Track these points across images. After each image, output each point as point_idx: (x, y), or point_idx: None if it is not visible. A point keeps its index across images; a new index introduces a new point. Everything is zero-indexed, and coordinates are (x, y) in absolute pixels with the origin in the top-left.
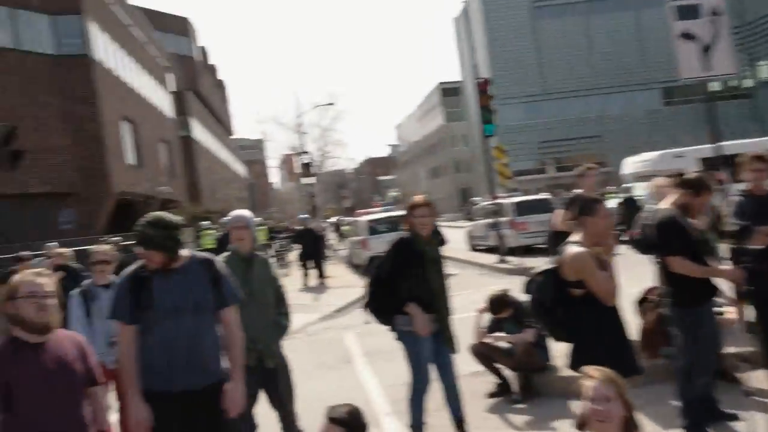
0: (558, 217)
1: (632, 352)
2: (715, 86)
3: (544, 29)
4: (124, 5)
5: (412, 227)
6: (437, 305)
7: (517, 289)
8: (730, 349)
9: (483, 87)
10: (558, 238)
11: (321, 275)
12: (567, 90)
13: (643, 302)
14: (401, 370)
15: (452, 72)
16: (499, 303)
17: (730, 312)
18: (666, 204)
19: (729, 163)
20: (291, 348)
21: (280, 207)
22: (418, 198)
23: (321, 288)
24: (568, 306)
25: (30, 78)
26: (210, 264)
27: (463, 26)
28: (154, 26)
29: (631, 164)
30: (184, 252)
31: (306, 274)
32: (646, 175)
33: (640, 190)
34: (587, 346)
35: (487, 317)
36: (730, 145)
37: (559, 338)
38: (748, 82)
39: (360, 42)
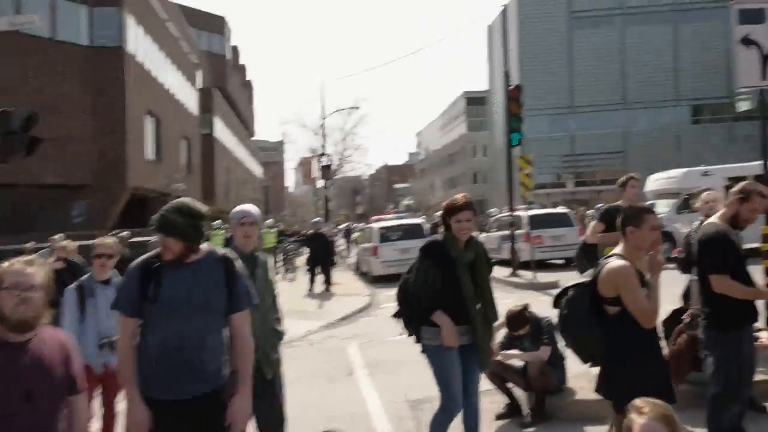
0: (590, 229)
1: (668, 378)
2: (745, 106)
3: (579, 40)
4: (162, 0)
5: (449, 230)
6: (470, 316)
7: (532, 303)
8: (761, 377)
9: (514, 94)
10: (588, 251)
11: (328, 282)
12: (594, 104)
13: (673, 323)
14: (404, 385)
15: (478, 83)
16: (517, 319)
17: (765, 336)
18: (714, 218)
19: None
20: (290, 356)
21: (294, 210)
22: (460, 198)
23: (326, 295)
24: (601, 324)
25: (63, 67)
26: (228, 262)
27: (498, 34)
28: (189, 23)
29: (655, 181)
30: (204, 246)
31: (312, 280)
32: (670, 193)
33: (662, 207)
34: (619, 370)
35: (503, 333)
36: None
37: (587, 359)
38: None
39: (387, 49)
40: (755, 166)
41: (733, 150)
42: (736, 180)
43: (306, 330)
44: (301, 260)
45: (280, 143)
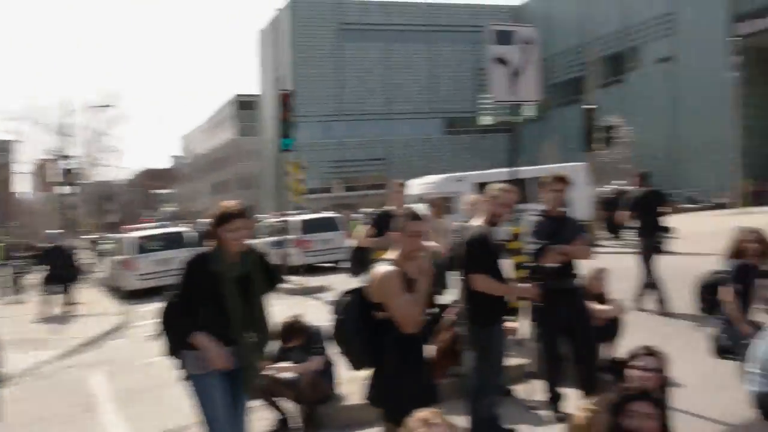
0: (361, 233)
1: (432, 380)
2: (488, 120)
3: (348, 51)
4: None
5: (219, 242)
6: (236, 337)
7: (302, 309)
8: (507, 363)
9: (285, 99)
10: (360, 254)
11: (69, 302)
12: (361, 113)
13: (435, 321)
14: (160, 414)
15: (248, 88)
16: (289, 331)
17: (508, 323)
18: (477, 221)
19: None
20: (14, 397)
21: (28, 221)
22: (233, 205)
23: (66, 317)
24: (370, 330)
25: None
26: None
27: (270, 39)
28: None
29: (415, 186)
30: None
31: (48, 301)
32: (428, 197)
33: (421, 209)
34: (386, 376)
35: (274, 345)
36: (519, 171)
37: (359, 366)
38: (518, 119)
39: (152, 44)
40: (500, 173)
41: (480, 159)
42: (484, 185)
43: (36, 362)
44: (34, 278)
45: (8, 143)
